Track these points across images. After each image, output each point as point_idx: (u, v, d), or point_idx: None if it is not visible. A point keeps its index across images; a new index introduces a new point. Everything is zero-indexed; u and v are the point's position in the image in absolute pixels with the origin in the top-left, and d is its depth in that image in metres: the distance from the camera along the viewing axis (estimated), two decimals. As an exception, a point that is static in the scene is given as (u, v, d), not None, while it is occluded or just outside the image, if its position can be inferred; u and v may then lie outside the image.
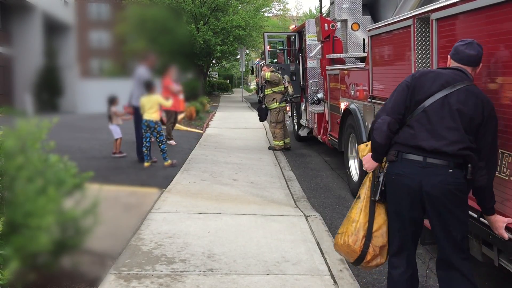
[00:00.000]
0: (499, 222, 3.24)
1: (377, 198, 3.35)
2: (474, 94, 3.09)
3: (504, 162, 3.39)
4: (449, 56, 3.35)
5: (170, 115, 10.57)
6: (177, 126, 13.36)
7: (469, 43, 3.24)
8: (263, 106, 11.38)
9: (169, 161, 8.29)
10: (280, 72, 11.48)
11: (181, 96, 10.19)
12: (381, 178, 3.33)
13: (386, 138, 3.23)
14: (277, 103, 11.07)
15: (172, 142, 10.79)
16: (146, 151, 8.14)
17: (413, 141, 3.11)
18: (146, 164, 8.14)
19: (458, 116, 3.03)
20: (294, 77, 12.06)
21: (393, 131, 3.22)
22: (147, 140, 8.08)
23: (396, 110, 3.23)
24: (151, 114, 7.91)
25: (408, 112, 3.20)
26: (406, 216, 3.21)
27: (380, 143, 3.25)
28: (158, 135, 8.05)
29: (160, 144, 8.13)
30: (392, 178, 3.22)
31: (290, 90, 11.20)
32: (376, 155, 3.35)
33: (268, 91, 11.14)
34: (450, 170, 3.02)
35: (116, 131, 8.60)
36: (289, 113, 14.51)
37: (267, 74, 10.95)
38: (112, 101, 7.96)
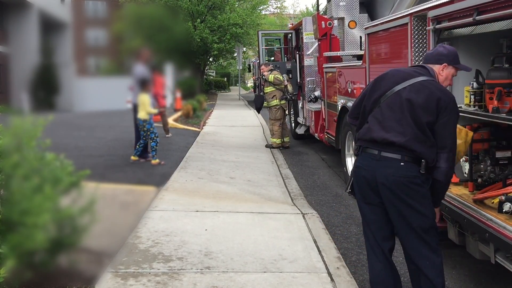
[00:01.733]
0: (438, 214, 3.43)
1: (347, 191, 3.58)
2: (429, 88, 3.16)
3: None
4: None
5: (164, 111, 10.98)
6: (175, 124, 13.37)
7: (438, 46, 3.44)
8: (261, 93, 11.49)
9: (157, 160, 8.22)
10: (278, 70, 11.46)
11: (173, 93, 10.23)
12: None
13: (352, 118, 3.61)
14: (278, 100, 11.05)
15: (170, 134, 11.38)
16: (137, 147, 8.26)
17: (368, 134, 3.27)
18: (132, 157, 8.26)
19: (407, 108, 3.13)
20: (291, 75, 12.06)
21: (354, 115, 3.54)
22: (142, 137, 8.18)
23: (360, 98, 3.51)
24: (140, 113, 7.93)
25: (367, 110, 3.38)
26: (367, 205, 3.34)
27: (349, 122, 3.75)
28: (145, 134, 8.07)
29: (150, 142, 8.16)
30: (355, 170, 3.40)
31: (290, 88, 11.20)
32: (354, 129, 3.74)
33: (267, 89, 11.14)
34: (402, 164, 3.12)
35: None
36: (286, 111, 14.51)
37: (271, 77, 10.95)
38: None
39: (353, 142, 3.59)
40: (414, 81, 3.21)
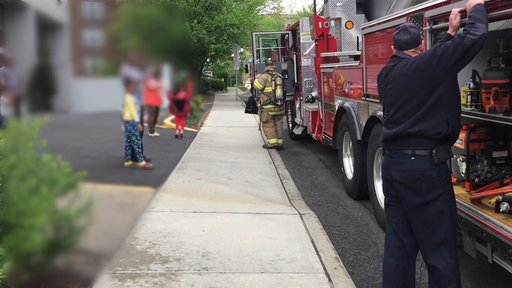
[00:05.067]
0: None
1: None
2: (406, 64, 3.20)
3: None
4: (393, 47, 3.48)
5: (152, 111, 10.91)
6: (171, 125, 13.35)
7: (402, 29, 3.39)
8: (254, 98, 11.72)
9: (143, 162, 8.07)
10: (274, 74, 11.34)
11: (163, 92, 10.15)
12: None
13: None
14: (259, 104, 11.34)
15: (156, 133, 11.32)
16: (125, 151, 8.09)
17: (383, 136, 3.36)
18: (125, 163, 8.09)
19: (401, 89, 3.20)
20: (287, 75, 12.06)
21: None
22: (126, 139, 8.01)
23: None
24: (125, 113, 7.81)
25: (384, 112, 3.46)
26: (391, 204, 3.38)
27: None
28: (129, 135, 7.93)
29: (132, 144, 8.01)
30: (381, 170, 3.50)
31: (279, 92, 11.10)
32: None
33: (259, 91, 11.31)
34: (413, 158, 3.13)
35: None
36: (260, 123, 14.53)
37: (255, 82, 11.32)
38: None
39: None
40: (396, 67, 3.28)
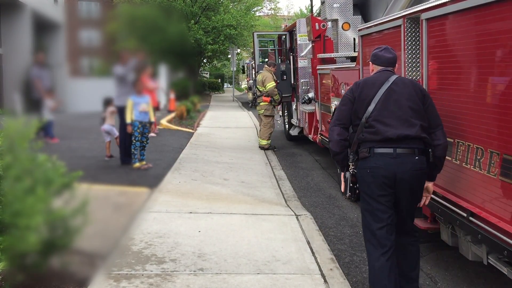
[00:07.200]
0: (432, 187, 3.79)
1: (346, 195, 3.75)
2: (406, 80, 3.68)
3: (493, 161, 3.41)
4: (370, 63, 3.86)
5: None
6: (168, 125, 13.34)
7: (385, 49, 3.79)
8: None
9: (137, 164, 7.96)
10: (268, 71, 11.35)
11: (160, 93, 10.11)
12: (347, 176, 3.72)
13: (340, 146, 3.65)
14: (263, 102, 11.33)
15: (152, 133, 11.06)
16: (133, 151, 7.98)
17: (379, 135, 3.47)
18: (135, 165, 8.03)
19: (403, 103, 3.50)
20: (285, 76, 12.06)
21: (344, 138, 3.64)
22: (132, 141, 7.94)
23: (342, 120, 3.68)
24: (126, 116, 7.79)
25: (357, 117, 3.61)
26: (383, 199, 3.51)
27: (335, 151, 3.68)
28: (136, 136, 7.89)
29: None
30: (367, 172, 3.53)
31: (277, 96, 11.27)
32: (337, 162, 3.78)
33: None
34: (416, 158, 3.46)
35: (113, 131, 8.39)
36: (280, 113, 14.53)
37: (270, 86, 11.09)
38: (108, 102, 7.78)
39: (350, 146, 3.67)
40: (394, 78, 3.60)
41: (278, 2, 52.32)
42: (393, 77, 3.61)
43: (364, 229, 3.66)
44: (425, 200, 3.75)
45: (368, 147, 3.51)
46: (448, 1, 3.88)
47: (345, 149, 3.66)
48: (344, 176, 3.75)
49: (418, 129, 3.44)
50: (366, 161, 3.52)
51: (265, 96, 11.09)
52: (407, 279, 3.67)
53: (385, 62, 3.74)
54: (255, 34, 13.49)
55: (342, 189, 3.80)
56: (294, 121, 12.15)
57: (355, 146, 3.61)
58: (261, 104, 11.21)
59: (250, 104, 12.24)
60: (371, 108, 3.53)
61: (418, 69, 4.73)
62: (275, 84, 11.01)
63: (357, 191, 3.68)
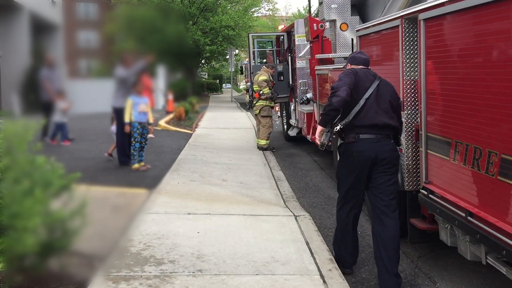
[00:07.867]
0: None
1: (325, 145, 4.36)
2: (386, 82, 4.33)
3: (491, 161, 3.42)
4: (349, 64, 4.50)
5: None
6: (166, 126, 13.32)
7: (360, 52, 4.73)
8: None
9: (136, 165, 7.94)
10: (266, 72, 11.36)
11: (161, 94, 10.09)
12: (333, 131, 4.30)
13: (343, 105, 4.11)
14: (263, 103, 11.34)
15: (151, 135, 11.01)
16: (133, 152, 7.96)
17: (369, 121, 4.14)
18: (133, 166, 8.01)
19: (387, 99, 4.23)
20: (282, 77, 12.07)
21: (348, 99, 4.08)
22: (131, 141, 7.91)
23: (351, 86, 4.13)
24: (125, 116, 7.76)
25: (355, 103, 4.16)
26: (362, 176, 4.25)
27: (337, 108, 4.14)
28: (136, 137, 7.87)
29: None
30: (354, 154, 4.22)
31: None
32: (328, 118, 4.24)
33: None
34: (392, 141, 4.26)
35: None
36: (278, 113, 14.53)
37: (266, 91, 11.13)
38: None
39: (336, 125, 4.31)
40: (380, 78, 4.28)
41: (276, 3, 52.37)
42: (378, 77, 4.28)
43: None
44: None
45: (355, 133, 4.19)
46: (446, 2, 3.89)
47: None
48: (330, 131, 4.32)
49: (395, 120, 4.24)
50: (353, 146, 4.21)
51: (256, 93, 11.10)
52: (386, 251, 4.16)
53: (362, 62, 4.45)
54: (250, 35, 13.51)
55: (322, 140, 4.35)
56: (292, 121, 12.15)
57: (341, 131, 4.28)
58: (257, 104, 11.22)
59: (248, 106, 12.26)
60: (366, 96, 4.16)
61: (416, 69, 4.73)
62: (265, 78, 11.01)
63: (330, 143, 4.41)
